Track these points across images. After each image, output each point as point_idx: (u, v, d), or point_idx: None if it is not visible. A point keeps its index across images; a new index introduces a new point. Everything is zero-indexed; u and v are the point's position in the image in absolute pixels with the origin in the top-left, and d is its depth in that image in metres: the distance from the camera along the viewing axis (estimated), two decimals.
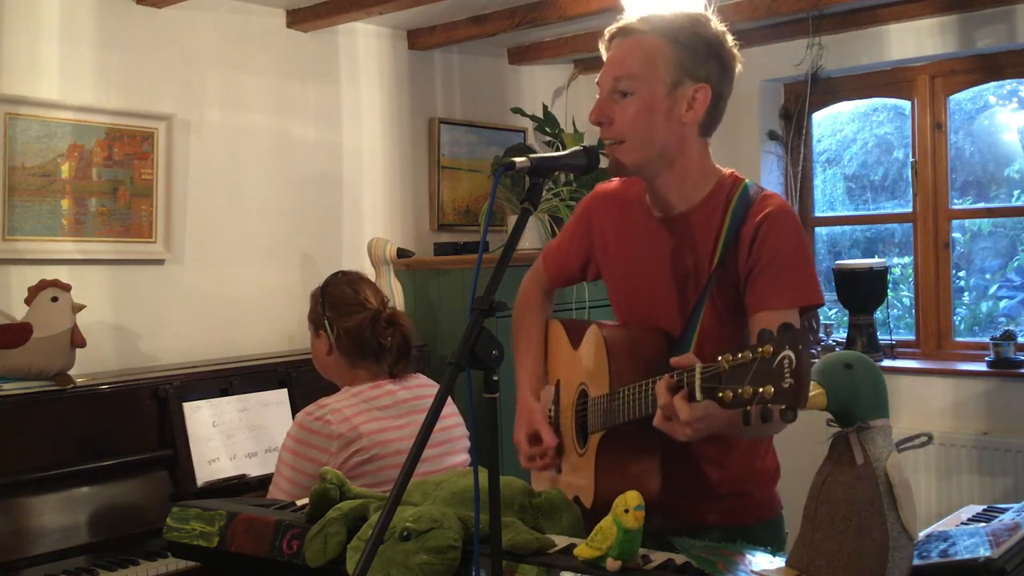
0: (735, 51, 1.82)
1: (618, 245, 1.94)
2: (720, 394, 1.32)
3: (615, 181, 2.02)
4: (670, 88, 1.75)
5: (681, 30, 1.75)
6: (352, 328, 2.38)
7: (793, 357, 1.21)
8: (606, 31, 1.82)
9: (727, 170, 1.88)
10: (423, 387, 2.46)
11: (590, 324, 1.90)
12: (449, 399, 2.43)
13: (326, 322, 2.41)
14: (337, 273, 2.53)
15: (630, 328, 1.90)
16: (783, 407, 1.22)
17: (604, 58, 1.82)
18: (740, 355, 1.29)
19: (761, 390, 1.24)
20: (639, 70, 1.74)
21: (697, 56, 1.75)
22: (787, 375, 1.22)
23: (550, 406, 2.05)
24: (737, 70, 1.83)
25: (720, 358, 1.33)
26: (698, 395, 1.40)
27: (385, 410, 2.34)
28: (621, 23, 1.80)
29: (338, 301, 2.42)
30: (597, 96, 1.80)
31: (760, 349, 1.26)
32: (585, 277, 2.09)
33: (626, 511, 1.43)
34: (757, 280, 1.74)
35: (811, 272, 1.80)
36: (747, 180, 1.85)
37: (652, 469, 1.76)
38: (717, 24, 1.80)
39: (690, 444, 1.78)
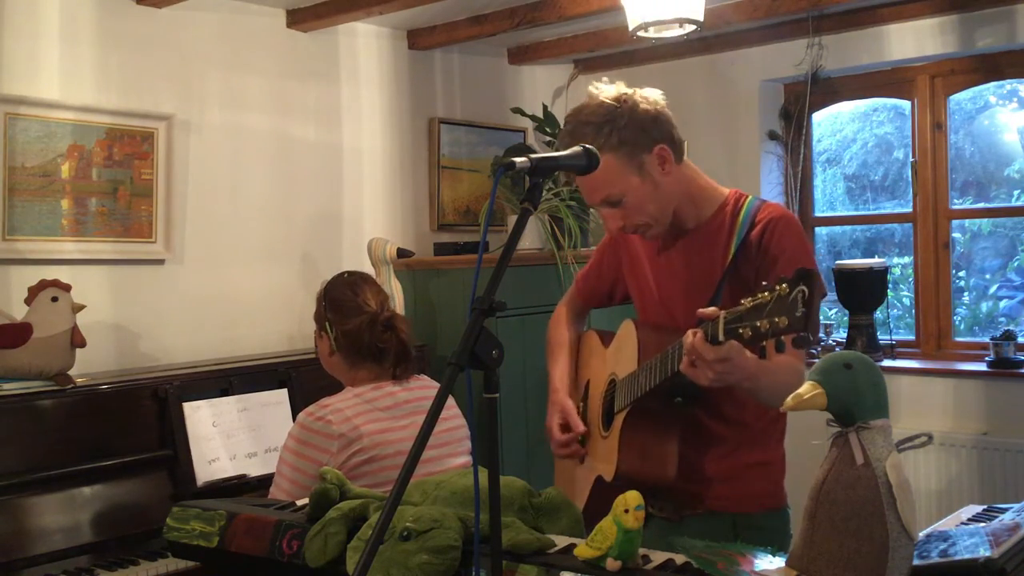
0: (649, 99, 1.96)
1: (642, 261, 2.15)
2: (741, 331, 1.48)
3: None
4: (640, 175, 1.94)
5: (607, 123, 1.90)
6: (350, 331, 2.39)
7: (807, 291, 1.35)
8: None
9: (729, 189, 2.06)
10: (425, 388, 2.46)
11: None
12: (452, 400, 2.47)
13: (327, 323, 2.42)
14: (342, 273, 2.54)
15: (658, 323, 2.09)
16: (795, 335, 1.37)
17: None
18: (760, 295, 1.44)
19: (777, 320, 1.39)
20: (611, 186, 1.93)
21: (636, 137, 1.92)
22: (800, 306, 1.35)
23: (579, 403, 2.26)
24: (661, 105, 1.96)
25: (742, 301, 1.49)
26: (721, 336, 1.54)
27: (387, 411, 2.34)
28: None
29: (338, 303, 2.43)
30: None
31: (777, 287, 1.40)
32: (613, 299, 2.32)
33: (626, 511, 1.43)
34: (766, 277, 1.86)
35: (813, 266, 1.97)
36: (750, 196, 2.05)
37: (671, 454, 1.91)
38: (627, 90, 1.95)
39: (705, 429, 1.99)
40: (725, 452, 2.00)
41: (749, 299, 1.46)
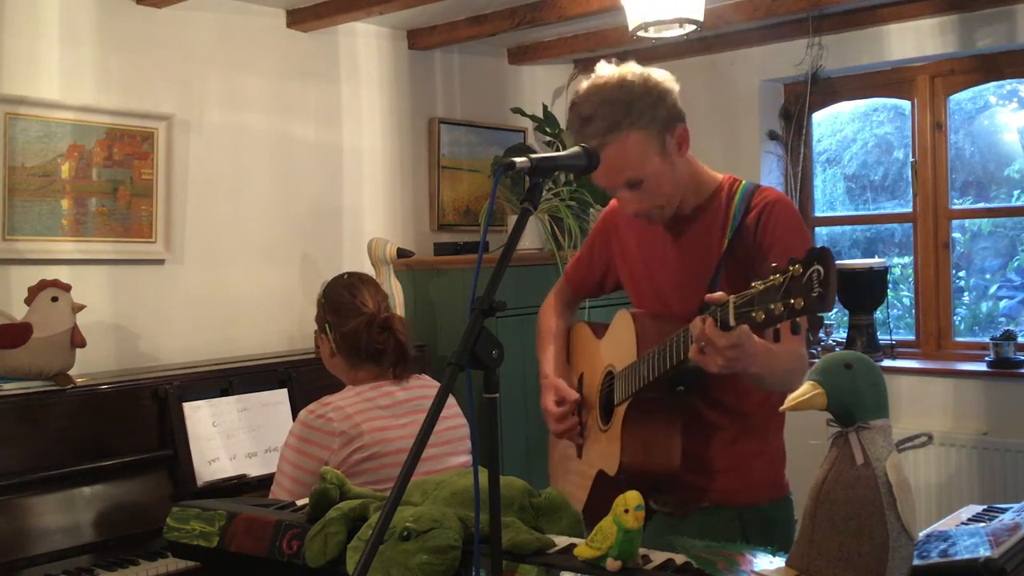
0: (666, 78, 1.94)
1: (635, 250, 2.12)
2: (753, 314, 1.43)
3: None
4: (662, 155, 1.91)
5: (637, 101, 1.86)
6: (348, 333, 2.40)
7: (822, 270, 1.31)
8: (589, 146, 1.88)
9: (723, 175, 2.03)
10: (424, 387, 2.47)
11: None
12: (453, 400, 2.48)
13: (327, 325, 2.44)
14: (342, 275, 2.55)
15: (654, 312, 2.06)
16: (812, 315, 1.32)
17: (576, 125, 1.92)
18: (771, 278, 1.40)
19: (792, 302, 1.35)
20: (636, 166, 1.89)
21: (658, 114, 1.89)
22: (816, 286, 1.31)
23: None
24: (676, 87, 1.94)
25: (753, 284, 1.44)
26: (732, 321, 1.50)
27: (386, 409, 2.35)
28: (591, 139, 1.87)
29: (336, 306, 2.44)
30: (607, 189, 1.96)
31: (790, 269, 1.36)
32: (604, 289, 2.29)
33: (626, 511, 1.43)
34: (763, 261, 1.85)
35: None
36: (744, 180, 2.01)
37: (675, 444, 1.89)
38: (641, 69, 1.92)
39: (706, 419, 1.97)
40: (727, 442, 1.99)
41: (760, 282, 1.42)
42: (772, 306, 1.38)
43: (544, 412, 2.19)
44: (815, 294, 1.32)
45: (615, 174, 1.90)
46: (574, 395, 2.14)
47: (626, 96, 1.86)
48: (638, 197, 1.93)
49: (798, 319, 1.35)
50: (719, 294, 1.56)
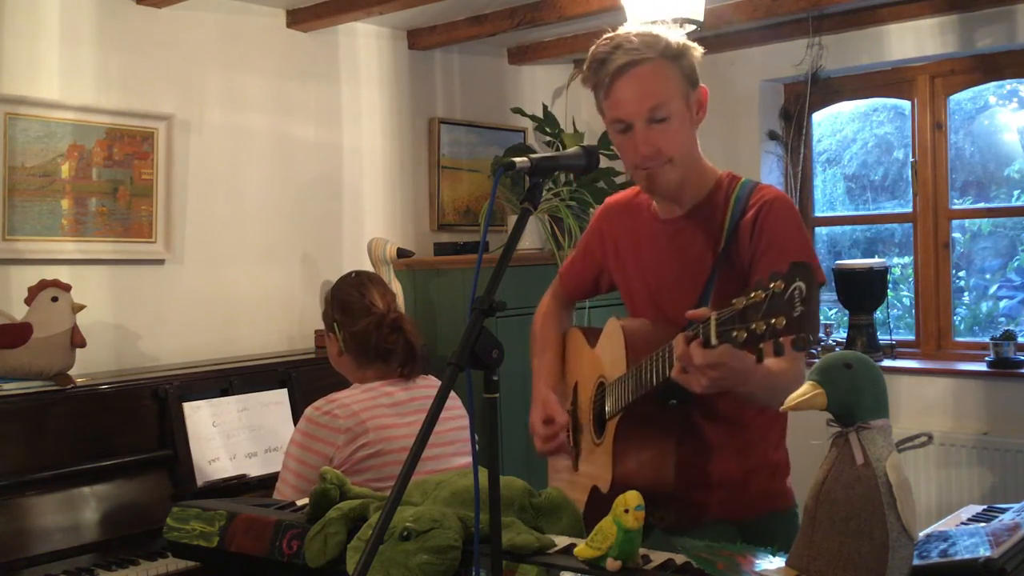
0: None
1: (629, 249, 2.05)
2: (734, 333, 1.36)
3: (623, 191, 2.13)
4: (686, 101, 1.86)
5: (664, 43, 1.84)
6: (357, 333, 2.40)
7: (804, 287, 1.25)
8: (611, 67, 1.83)
9: (722, 171, 1.98)
10: (430, 387, 2.47)
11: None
12: (458, 400, 2.48)
13: (335, 324, 2.43)
14: (350, 273, 2.54)
15: (645, 320, 1.99)
16: (794, 336, 1.26)
17: (604, 90, 1.86)
18: (752, 295, 1.33)
19: (774, 322, 1.28)
20: (668, 94, 1.83)
21: (686, 64, 1.86)
22: (798, 304, 1.25)
23: (568, 407, 2.13)
24: (697, 55, 1.91)
25: (734, 301, 1.37)
26: (713, 340, 1.44)
27: (392, 407, 2.35)
28: (620, 58, 1.83)
29: (345, 305, 2.44)
30: (621, 132, 1.86)
31: (772, 285, 1.29)
32: (599, 289, 2.21)
33: (626, 511, 1.43)
34: (760, 264, 1.80)
35: (811, 252, 1.92)
36: (744, 177, 1.95)
37: (669, 460, 1.82)
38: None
39: (702, 432, 1.89)
40: (726, 456, 1.90)
41: (742, 298, 1.34)
42: (753, 325, 1.31)
43: (531, 429, 2.10)
44: (797, 313, 1.24)
45: (644, 98, 1.81)
46: (563, 416, 2.03)
47: (656, 38, 1.83)
48: (655, 137, 1.82)
49: (781, 339, 1.28)
50: (701, 310, 1.50)
